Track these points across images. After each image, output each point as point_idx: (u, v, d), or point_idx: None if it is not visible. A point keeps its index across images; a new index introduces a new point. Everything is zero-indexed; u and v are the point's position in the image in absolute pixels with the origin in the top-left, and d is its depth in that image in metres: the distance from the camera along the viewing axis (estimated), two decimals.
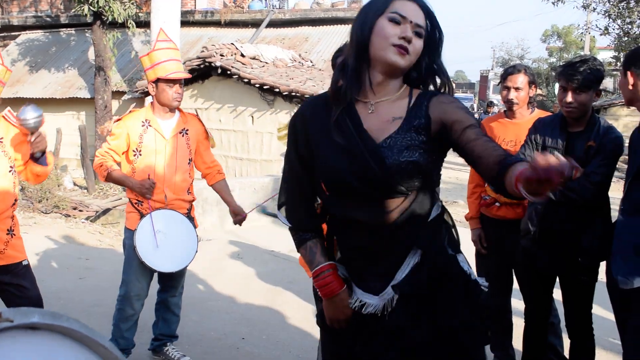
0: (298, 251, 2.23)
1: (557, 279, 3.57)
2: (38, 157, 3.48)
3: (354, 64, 2.02)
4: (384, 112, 2.04)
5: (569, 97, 3.28)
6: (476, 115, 31.65)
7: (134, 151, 3.91)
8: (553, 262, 3.44)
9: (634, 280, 2.86)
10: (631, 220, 2.96)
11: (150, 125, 3.92)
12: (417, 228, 2.03)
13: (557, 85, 3.31)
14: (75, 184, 13.02)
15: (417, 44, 1.97)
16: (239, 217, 4.16)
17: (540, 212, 3.42)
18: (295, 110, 2.28)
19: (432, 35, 2.01)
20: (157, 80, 3.87)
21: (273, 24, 16.78)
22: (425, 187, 2.05)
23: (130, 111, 4.12)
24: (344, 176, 1.99)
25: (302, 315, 5.19)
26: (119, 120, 4.01)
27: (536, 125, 3.58)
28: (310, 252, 2.16)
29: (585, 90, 3.25)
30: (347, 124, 2.03)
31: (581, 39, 30.50)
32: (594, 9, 21.02)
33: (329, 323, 2.16)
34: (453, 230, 2.18)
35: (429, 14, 2.00)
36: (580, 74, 3.23)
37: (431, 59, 2.06)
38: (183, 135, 3.99)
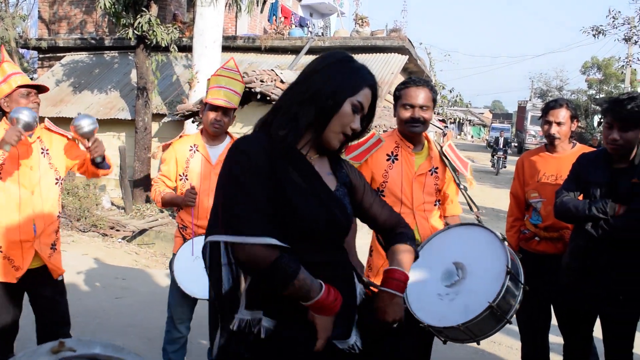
0: (291, 283, 1.87)
1: (598, 316, 3.50)
2: (99, 162, 3.56)
3: (306, 125, 2.04)
4: (319, 167, 2.14)
5: (615, 134, 3.23)
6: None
7: (180, 175, 3.93)
8: (593, 299, 3.37)
9: None
10: None
11: (197, 150, 3.92)
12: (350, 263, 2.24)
13: (595, 118, 3.29)
14: (113, 204, 13.18)
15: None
16: None
17: (582, 248, 3.38)
18: None
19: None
20: (206, 103, 3.89)
21: (313, 51, 16.88)
22: None
23: (180, 136, 4.15)
24: (315, 220, 2.00)
25: None
26: (169, 145, 4.04)
27: (580, 161, 3.54)
28: (307, 275, 1.90)
29: (632, 127, 3.19)
30: (304, 170, 2.05)
31: (622, 72, 30.11)
32: (636, 41, 20.79)
33: (321, 345, 1.95)
34: None
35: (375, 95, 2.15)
36: (627, 112, 3.17)
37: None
38: None
